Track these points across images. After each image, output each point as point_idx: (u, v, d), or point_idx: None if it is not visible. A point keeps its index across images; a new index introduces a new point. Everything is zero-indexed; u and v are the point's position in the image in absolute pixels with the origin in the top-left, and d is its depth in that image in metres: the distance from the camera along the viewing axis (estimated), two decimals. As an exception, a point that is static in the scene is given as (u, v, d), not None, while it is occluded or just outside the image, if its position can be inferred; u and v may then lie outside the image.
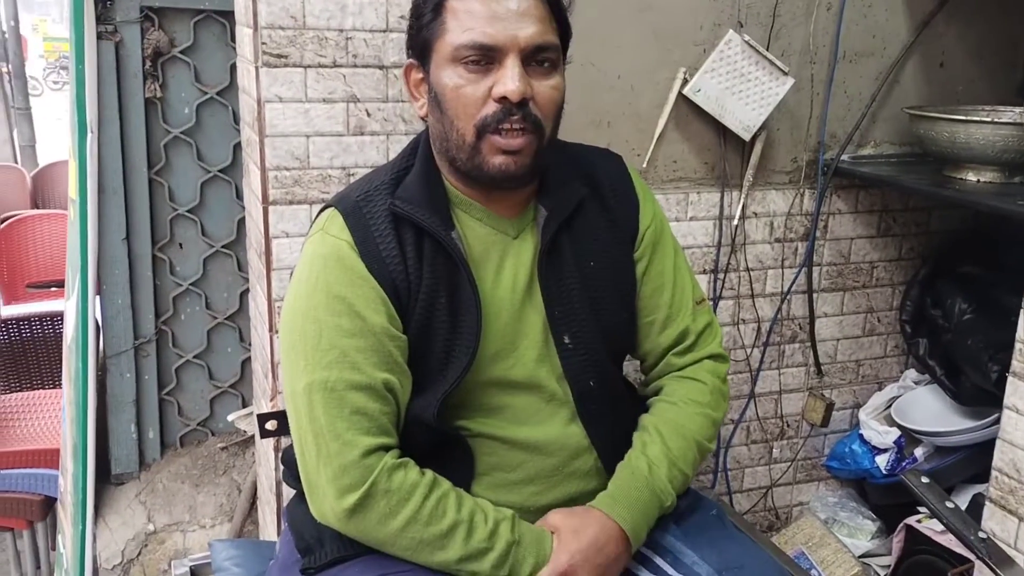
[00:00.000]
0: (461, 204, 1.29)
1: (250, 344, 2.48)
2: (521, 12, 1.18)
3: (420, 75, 1.26)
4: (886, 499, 2.29)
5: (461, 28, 1.18)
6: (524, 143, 1.19)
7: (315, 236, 1.27)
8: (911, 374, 2.37)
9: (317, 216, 1.32)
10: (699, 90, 1.98)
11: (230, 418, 2.43)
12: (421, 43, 1.24)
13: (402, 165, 1.31)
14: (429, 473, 1.23)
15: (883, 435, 2.25)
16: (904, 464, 2.23)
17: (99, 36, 2.27)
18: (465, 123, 1.19)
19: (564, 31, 1.26)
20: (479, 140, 1.19)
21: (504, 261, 1.30)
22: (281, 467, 1.51)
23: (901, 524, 2.10)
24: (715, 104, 1.99)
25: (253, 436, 2.50)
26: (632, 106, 1.98)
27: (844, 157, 2.16)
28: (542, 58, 1.20)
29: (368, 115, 1.81)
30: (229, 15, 2.27)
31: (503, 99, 1.17)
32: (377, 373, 1.21)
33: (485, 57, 1.18)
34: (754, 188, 2.12)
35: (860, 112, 2.16)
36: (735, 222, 2.12)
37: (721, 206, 2.10)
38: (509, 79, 1.17)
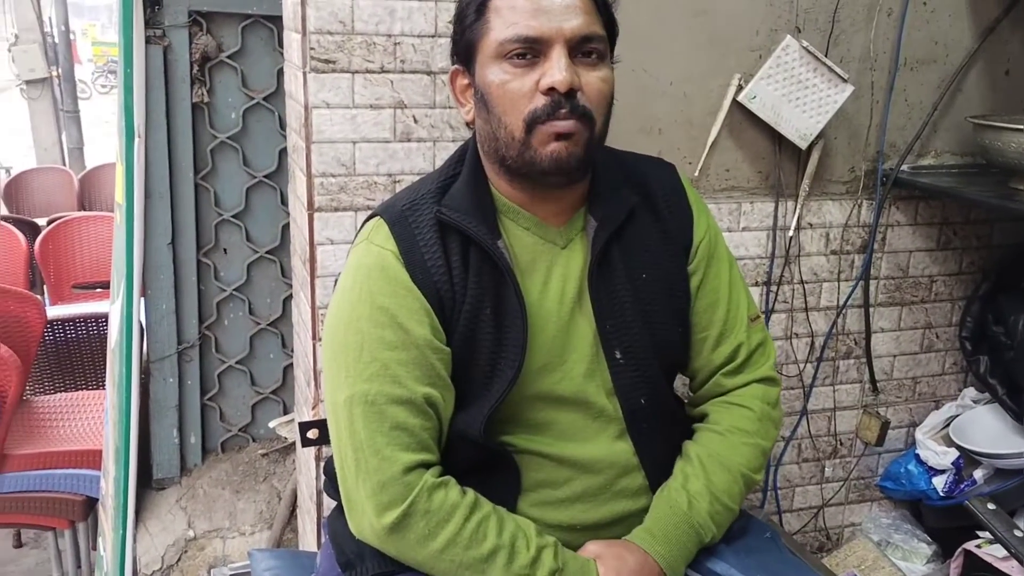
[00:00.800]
0: (508, 212, 1.26)
1: (292, 350, 2.47)
2: (565, 5, 1.16)
3: (466, 80, 1.24)
4: (943, 522, 2.22)
5: (505, 24, 1.16)
6: (575, 127, 1.16)
7: (360, 246, 1.25)
8: (970, 392, 2.29)
9: (363, 225, 1.30)
10: (754, 97, 1.93)
11: (271, 425, 2.43)
12: (465, 45, 1.22)
13: (449, 173, 1.29)
14: (471, 493, 1.20)
15: (941, 456, 2.18)
16: (963, 486, 2.16)
17: (148, 40, 2.29)
18: (514, 118, 1.17)
19: (610, 25, 1.23)
20: (528, 134, 1.16)
21: (552, 271, 1.27)
22: (323, 477, 1.49)
23: (959, 549, 2.03)
24: (771, 111, 1.94)
25: (294, 443, 2.49)
26: (684, 113, 1.94)
27: (904, 167, 2.09)
28: (589, 49, 1.17)
29: (415, 121, 1.78)
30: (277, 20, 2.27)
31: (551, 90, 1.14)
32: (418, 387, 1.18)
33: (531, 50, 1.15)
34: (810, 198, 2.06)
35: (921, 121, 2.09)
36: (789, 233, 2.06)
37: (775, 216, 2.04)
38: (556, 70, 1.14)
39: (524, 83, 1.16)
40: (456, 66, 1.25)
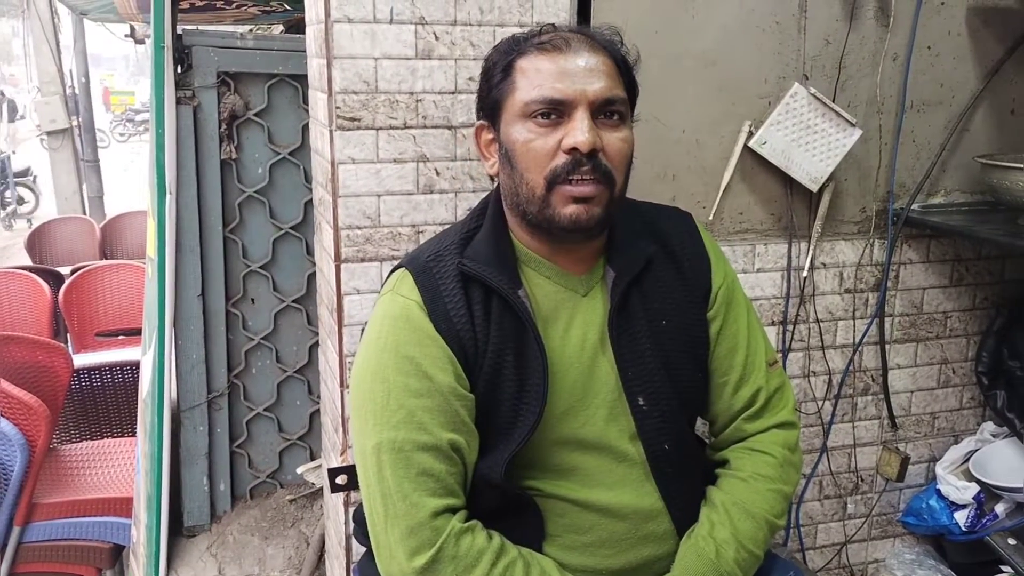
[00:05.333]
0: (530, 262, 1.30)
1: (318, 396, 2.50)
2: (589, 69, 1.21)
3: (491, 135, 1.29)
4: (966, 557, 2.22)
5: (531, 85, 1.21)
6: (595, 191, 1.21)
7: (386, 296, 1.30)
8: (989, 427, 2.30)
9: (389, 276, 1.35)
10: (765, 142, 1.98)
11: (299, 470, 2.45)
12: (491, 103, 1.27)
13: (472, 225, 1.34)
14: (497, 538, 1.23)
15: (961, 490, 2.18)
16: (984, 521, 2.16)
17: (178, 101, 2.36)
18: (536, 175, 1.21)
19: (631, 87, 1.29)
20: (549, 192, 1.21)
21: (573, 319, 1.31)
22: (351, 523, 1.51)
23: (984, 583, 2.03)
24: (781, 156, 1.99)
25: (320, 488, 2.52)
26: (697, 159, 1.99)
27: (914, 206, 2.13)
28: (610, 111, 1.22)
29: (437, 174, 1.84)
30: (301, 79, 2.34)
31: (573, 150, 1.19)
32: (444, 433, 1.22)
33: (555, 111, 1.20)
34: (822, 239, 2.10)
35: (930, 161, 2.13)
36: (804, 273, 2.10)
37: (788, 257, 2.09)
38: (579, 131, 1.19)
39: (547, 142, 1.21)
40: (481, 121, 1.31)
